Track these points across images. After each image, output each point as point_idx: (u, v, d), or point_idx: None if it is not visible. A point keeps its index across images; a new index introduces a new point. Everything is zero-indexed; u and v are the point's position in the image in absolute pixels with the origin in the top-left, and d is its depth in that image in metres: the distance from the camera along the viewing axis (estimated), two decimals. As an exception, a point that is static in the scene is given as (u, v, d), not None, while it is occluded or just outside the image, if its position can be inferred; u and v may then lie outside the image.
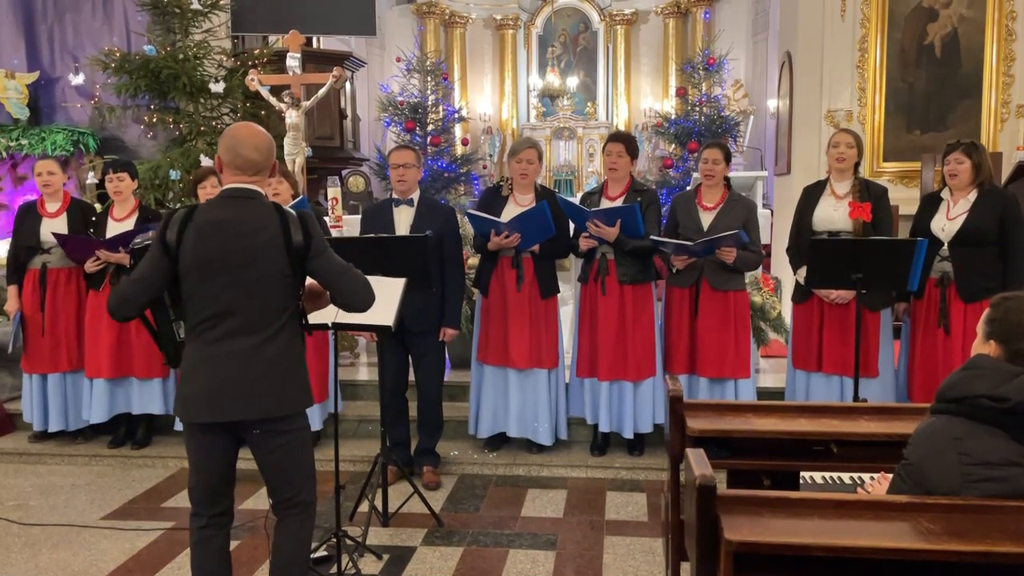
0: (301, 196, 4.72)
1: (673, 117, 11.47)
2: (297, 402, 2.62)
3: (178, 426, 4.95)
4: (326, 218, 5.39)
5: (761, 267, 5.05)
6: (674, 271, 4.47)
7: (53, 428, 5.05)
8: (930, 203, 4.32)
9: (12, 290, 4.99)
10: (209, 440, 2.60)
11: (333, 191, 6.44)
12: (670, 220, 4.59)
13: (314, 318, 3.20)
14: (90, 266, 4.80)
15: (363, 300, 2.64)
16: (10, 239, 5.05)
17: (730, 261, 4.30)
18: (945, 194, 4.26)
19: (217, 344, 2.53)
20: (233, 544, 3.68)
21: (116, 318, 2.66)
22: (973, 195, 4.14)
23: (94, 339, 4.88)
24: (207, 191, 4.71)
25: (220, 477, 2.66)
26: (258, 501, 4.18)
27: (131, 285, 2.60)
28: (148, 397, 4.92)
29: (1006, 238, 4.09)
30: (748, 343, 4.53)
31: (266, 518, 2.97)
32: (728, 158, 4.48)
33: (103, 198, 5.44)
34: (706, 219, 4.43)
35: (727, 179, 4.54)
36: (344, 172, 9.51)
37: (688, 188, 8.16)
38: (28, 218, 4.94)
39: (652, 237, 4.40)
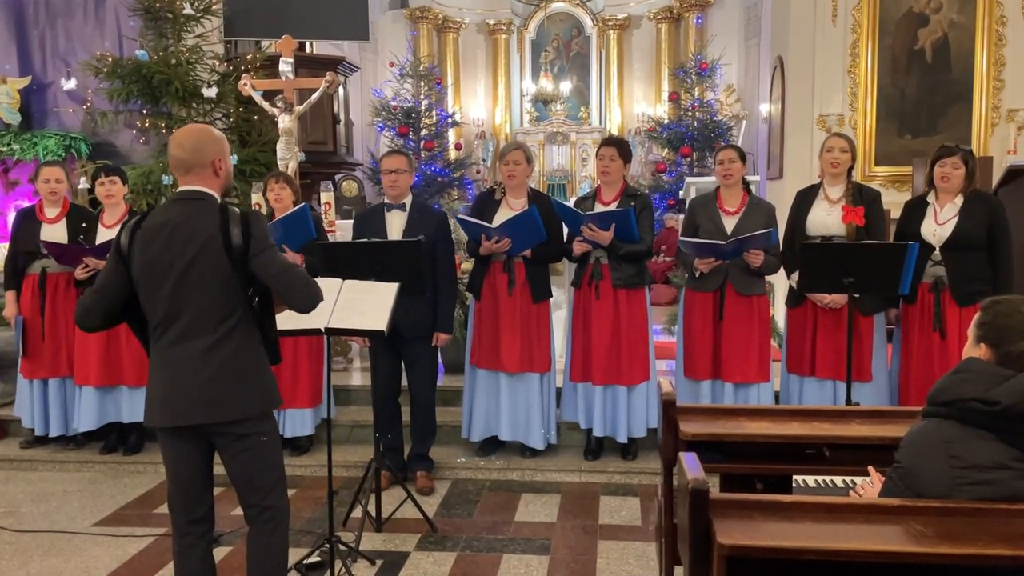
0: (303, 203, 4.71)
1: (666, 122, 11.52)
2: (249, 406, 2.55)
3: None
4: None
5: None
6: (697, 275, 4.45)
7: (54, 433, 5.03)
8: (915, 208, 4.32)
9: (10, 295, 4.97)
10: (177, 443, 2.60)
11: (326, 196, 6.43)
12: (688, 224, 4.54)
13: (306, 322, 3.20)
14: (79, 273, 4.78)
15: (302, 300, 2.54)
16: (7, 244, 5.03)
17: (758, 264, 4.29)
18: (930, 198, 4.26)
19: (169, 348, 2.53)
20: (225, 550, 3.69)
21: (83, 329, 2.68)
22: (959, 200, 4.15)
23: (83, 346, 4.86)
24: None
25: (193, 481, 2.64)
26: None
27: (91, 296, 2.62)
28: (140, 405, 4.88)
29: (994, 244, 4.09)
30: (769, 347, 4.53)
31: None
32: (743, 158, 4.46)
33: (95, 203, 5.43)
34: (729, 223, 4.40)
35: (746, 182, 4.53)
36: (337, 177, 9.51)
37: (682, 193, 8.17)
38: (27, 223, 4.92)
39: (681, 238, 4.38)
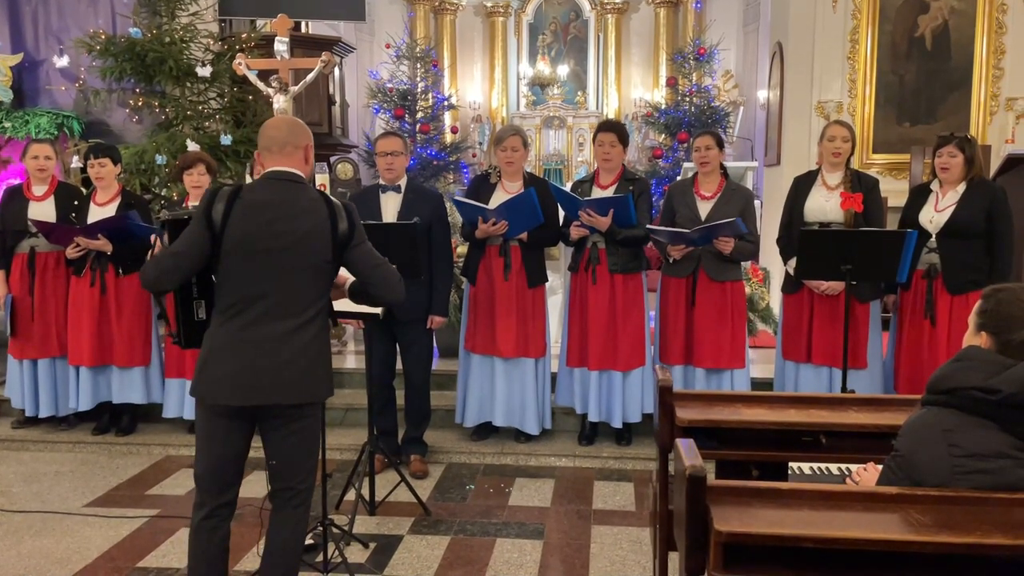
0: None
1: (663, 107, 11.44)
2: (323, 390, 2.63)
3: (167, 413, 4.92)
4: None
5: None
6: (671, 261, 4.44)
7: (44, 414, 5.00)
8: (919, 195, 4.32)
9: None
10: (228, 424, 2.57)
11: (321, 178, 6.38)
12: (666, 209, 4.56)
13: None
14: (71, 252, 4.74)
15: (398, 293, 2.68)
16: None
17: (728, 252, 4.29)
18: (934, 186, 4.26)
19: (250, 327, 2.50)
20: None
21: (151, 290, 2.66)
22: (962, 187, 4.15)
23: (76, 326, 4.83)
24: (193, 178, 4.68)
25: (232, 464, 2.63)
26: (246, 489, 4.14)
27: (170, 258, 2.57)
28: (129, 386, 4.87)
29: (992, 231, 4.09)
30: (744, 333, 4.53)
31: (261, 508, 2.94)
32: (720, 144, 4.46)
33: (87, 182, 5.38)
34: (704, 208, 4.41)
35: (724, 168, 4.51)
36: (332, 159, 9.43)
37: (679, 178, 8.15)
38: (14, 202, 4.87)
39: (648, 226, 4.37)
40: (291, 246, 2.49)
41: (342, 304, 3.34)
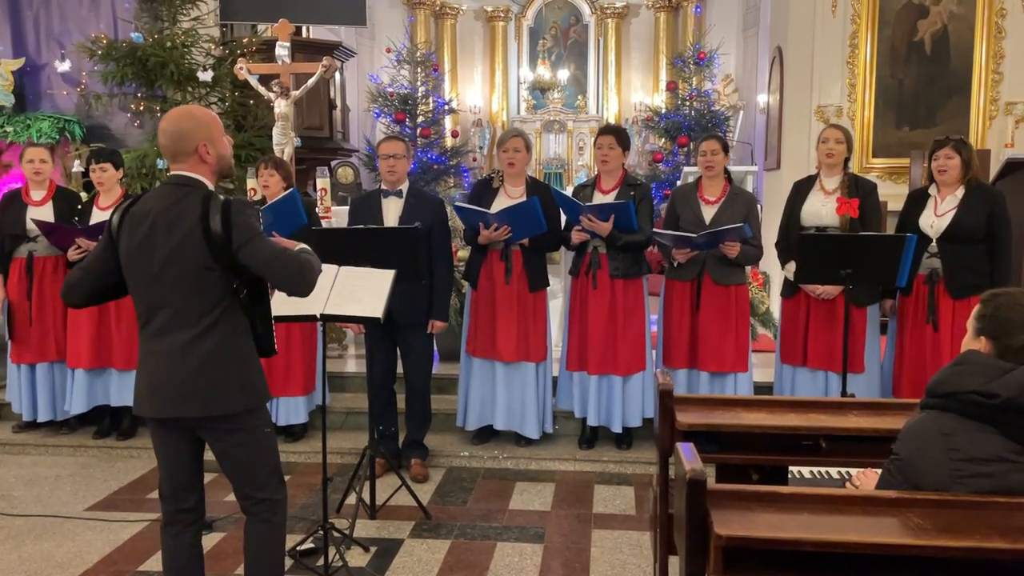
0: (293, 188, 4.68)
1: (663, 111, 11.46)
2: (232, 403, 2.48)
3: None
4: (317, 209, 5.35)
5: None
6: (675, 265, 4.45)
7: (42, 418, 5.00)
8: (917, 199, 4.32)
9: None
10: (165, 434, 2.56)
11: (322, 182, 6.39)
12: (669, 213, 4.56)
13: (301, 309, 3.20)
14: (72, 254, 4.75)
15: (299, 286, 2.48)
16: None
17: (734, 256, 4.29)
18: (932, 190, 4.27)
19: (153, 339, 2.47)
20: (218, 536, 3.68)
21: (65, 303, 2.66)
22: (961, 191, 4.15)
23: (75, 328, 4.84)
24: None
25: (182, 471, 2.60)
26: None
27: (77, 271, 2.58)
28: (129, 389, 4.86)
29: (993, 235, 4.10)
30: (748, 337, 4.53)
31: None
32: (726, 148, 4.47)
33: (89, 187, 5.39)
34: (708, 212, 4.41)
35: (728, 172, 4.52)
36: (333, 163, 9.45)
37: (679, 182, 8.18)
38: (12, 206, 4.88)
39: (654, 230, 4.38)
40: (169, 255, 2.40)
41: (345, 307, 3.36)
